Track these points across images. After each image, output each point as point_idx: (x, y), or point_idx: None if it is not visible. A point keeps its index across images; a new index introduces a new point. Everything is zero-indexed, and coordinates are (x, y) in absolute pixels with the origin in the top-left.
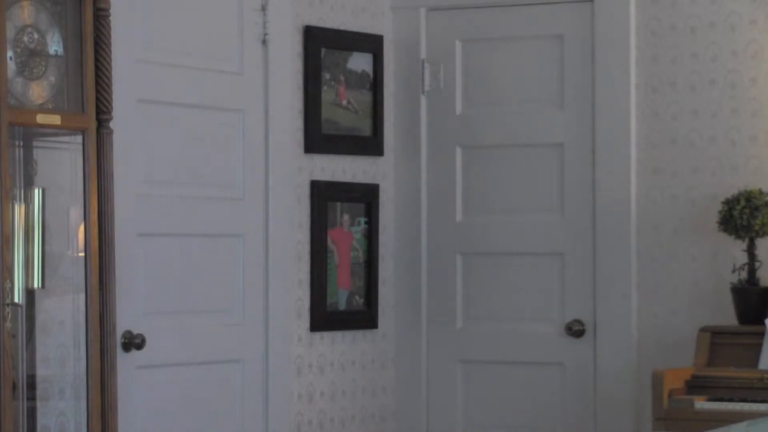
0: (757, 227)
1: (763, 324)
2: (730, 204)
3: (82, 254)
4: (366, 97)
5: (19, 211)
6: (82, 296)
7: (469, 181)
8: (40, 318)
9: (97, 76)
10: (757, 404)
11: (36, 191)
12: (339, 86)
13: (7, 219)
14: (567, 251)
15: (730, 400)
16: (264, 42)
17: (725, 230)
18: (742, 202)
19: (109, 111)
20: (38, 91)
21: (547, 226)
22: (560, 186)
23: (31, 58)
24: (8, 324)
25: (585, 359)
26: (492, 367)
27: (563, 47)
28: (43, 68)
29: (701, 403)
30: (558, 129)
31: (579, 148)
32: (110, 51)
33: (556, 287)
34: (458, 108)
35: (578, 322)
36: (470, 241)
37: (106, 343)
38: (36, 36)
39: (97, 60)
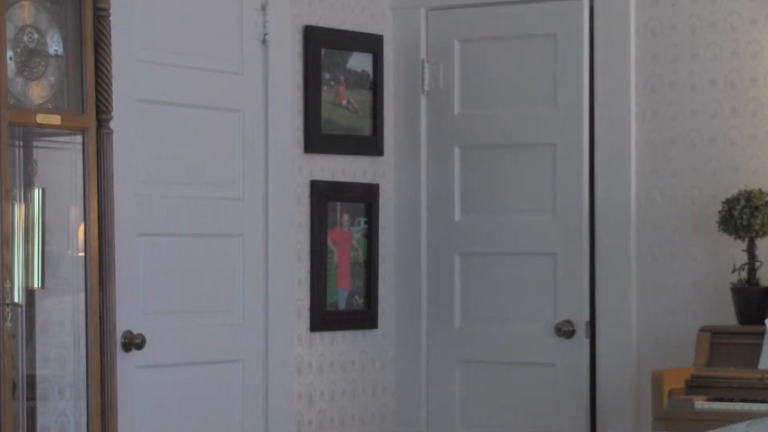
0: (757, 227)
1: (763, 324)
2: (730, 204)
3: (82, 254)
4: (366, 97)
5: (19, 211)
6: (82, 296)
7: (467, 181)
8: (40, 318)
9: (97, 76)
10: (757, 404)
11: (36, 191)
12: (339, 86)
13: (7, 219)
14: (563, 251)
15: (730, 400)
16: (264, 42)
17: (725, 230)
18: (742, 202)
19: (109, 111)
20: (38, 91)
21: (547, 226)
22: (559, 186)
23: (31, 58)
24: (8, 324)
25: (585, 359)
26: (491, 367)
27: (563, 47)
28: (43, 68)
29: (701, 403)
30: (557, 129)
31: (579, 147)
32: (110, 51)
33: (556, 287)
34: (457, 108)
35: (569, 323)
36: (469, 241)
37: (106, 343)
38: (36, 36)
39: (97, 60)
